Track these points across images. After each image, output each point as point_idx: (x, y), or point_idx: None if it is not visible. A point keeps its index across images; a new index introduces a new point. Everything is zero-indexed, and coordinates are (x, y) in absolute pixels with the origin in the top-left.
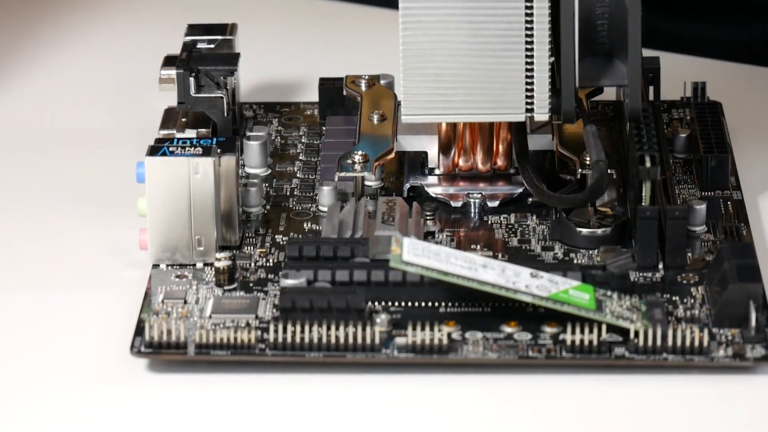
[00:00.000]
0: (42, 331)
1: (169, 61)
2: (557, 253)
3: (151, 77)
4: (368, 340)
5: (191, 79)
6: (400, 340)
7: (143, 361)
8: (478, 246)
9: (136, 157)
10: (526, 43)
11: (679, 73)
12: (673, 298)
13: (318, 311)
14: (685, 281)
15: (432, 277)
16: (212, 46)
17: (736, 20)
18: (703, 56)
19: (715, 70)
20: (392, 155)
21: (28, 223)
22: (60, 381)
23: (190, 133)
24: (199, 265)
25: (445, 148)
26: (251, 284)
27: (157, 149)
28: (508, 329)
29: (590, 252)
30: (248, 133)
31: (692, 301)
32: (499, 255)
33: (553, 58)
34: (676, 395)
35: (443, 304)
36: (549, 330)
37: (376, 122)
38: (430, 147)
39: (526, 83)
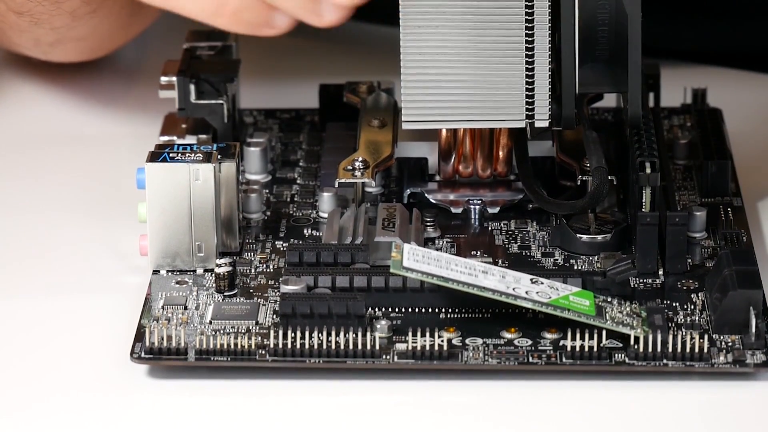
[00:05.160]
0: (42, 337)
1: (169, 67)
2: (557, 260)
3: (151, 83)
4: (368, 346)
5: (191, 86)
6: (400, 346)
7: (143, 367)
8: (479, 252)
9: (136, 163)
10: (527, 49)
11: (679, 79)
12: (674, 305)
13: (318, 317)
14: (685, 287)
15: (432, 283)
16: (213, 52)
17: (736, 27)
18: (703, 64)
19: (716, 77)
20: (392, 161)
21: (28, 228)
22: (60, 387)
23: (191, 140)
24: (200, 271)
25: (445, 155)
26: (251, 290)
27: (157, 155)
28: (508, 335)
29: (590, 258)
30: (248, 140)
31: (692, 307)
32: (500, 261)
33: (553, 65)
34: (677, 401)
35: (443, 310)
36: (549, 336)
37: (376, 129)
38: (431, 153)
39: (527, 89)
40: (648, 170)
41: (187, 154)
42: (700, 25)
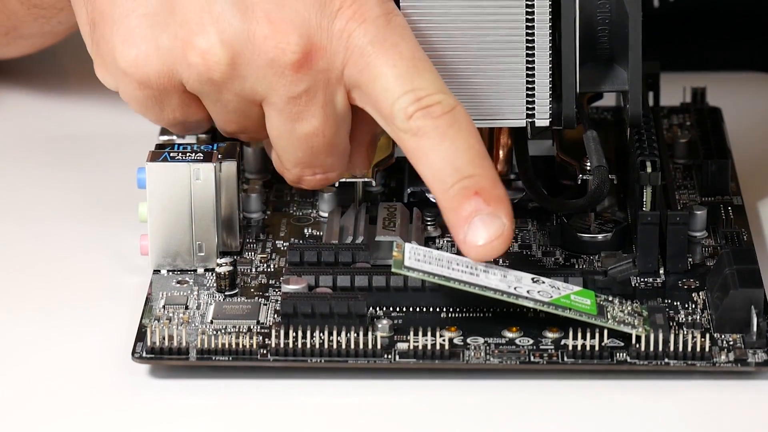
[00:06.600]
0: (43, 337)
1: None
2: (558, 259)
3: None
4: (370, 346)
5: None
6: (401, 346)
7: (145, 367)
8: None
9: (136, 163)
10: (527, 48)
11: (678, 78)
12: (675, 304)
13: (320, 317)
14: (686, 286)
15: (434, 283)
16: None
17: (733, 32)
18: (702, 71)
19: (715, 76)
20: (393, 161)
21: (29, 228)
22: (61, 387)
23: (191, 139)
24: (200, 270)
25: None
26: (252, 290)
27: (157, 155)
28: (509, 334)
29: (591, 257)
30: None
31: (693, 306)
32: (500, 260)
33: (553, 64)
34: (678, 400)
35: (445, 309)
36: (550, 335)
37: None
38: None
39: (527, 89)
40: (649, 169)
41: (187, 154)
42: (697, 35)
